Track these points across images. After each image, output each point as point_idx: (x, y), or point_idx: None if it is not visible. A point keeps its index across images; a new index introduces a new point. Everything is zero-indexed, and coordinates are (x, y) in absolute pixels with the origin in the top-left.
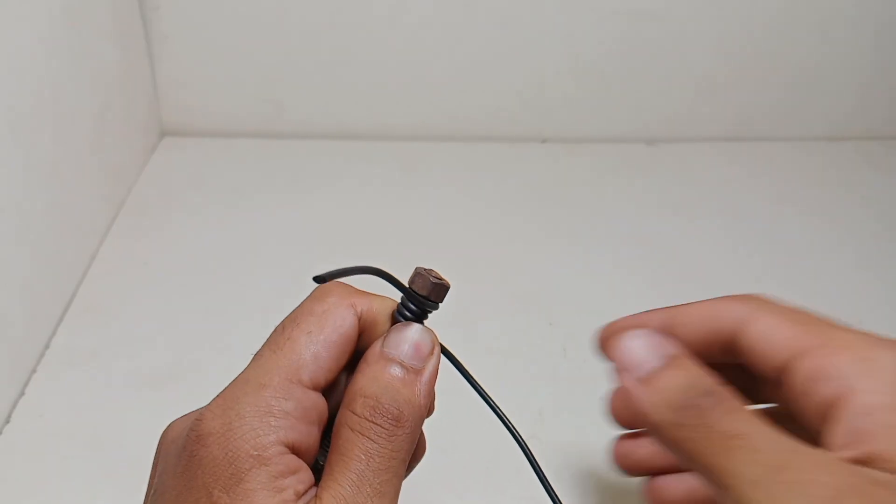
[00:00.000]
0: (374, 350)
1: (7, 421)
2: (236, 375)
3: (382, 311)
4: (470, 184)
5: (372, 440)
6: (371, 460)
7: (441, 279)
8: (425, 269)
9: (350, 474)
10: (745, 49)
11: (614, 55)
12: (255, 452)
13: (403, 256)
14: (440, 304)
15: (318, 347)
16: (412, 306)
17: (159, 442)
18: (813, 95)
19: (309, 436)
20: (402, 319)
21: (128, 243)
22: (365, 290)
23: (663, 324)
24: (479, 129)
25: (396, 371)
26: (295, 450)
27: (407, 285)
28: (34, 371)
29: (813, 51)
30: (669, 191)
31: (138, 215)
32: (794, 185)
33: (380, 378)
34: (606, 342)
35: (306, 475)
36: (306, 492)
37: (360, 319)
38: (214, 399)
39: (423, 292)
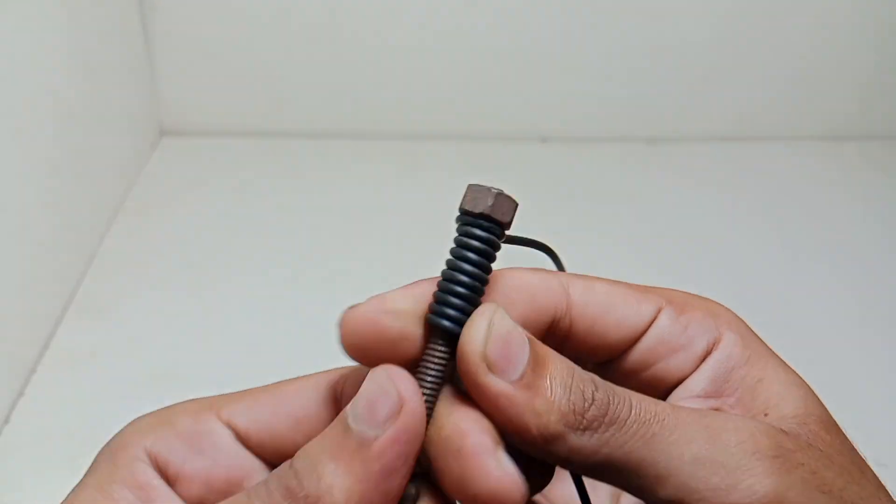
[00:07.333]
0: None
1: (7, 421)
2: (235, 377)
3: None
4: (469, 183)
5: None
6: None
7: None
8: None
9: None
10: (745, 48)
11: (614, 55)
12: (111, 451)
13: (402, 255)
14: (507, 230)
15: (264, 406)
16: (472, 234)
17: None
18: (813, 95)
19: (176, 454)
20: (445, 285)
21: (128, 243)
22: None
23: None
24: (479, 129)
25: (337, 435)
26: (156, 462)
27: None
28: (34, 371)
29: (813, 50)
30: (669, 190)
31: (138, 215)
32: (794, 185)
33: (320, 438)
34: (386, 332)
35: (154, 492)
36: None
37: (338, 396)
38: None
39: (476, 210)
